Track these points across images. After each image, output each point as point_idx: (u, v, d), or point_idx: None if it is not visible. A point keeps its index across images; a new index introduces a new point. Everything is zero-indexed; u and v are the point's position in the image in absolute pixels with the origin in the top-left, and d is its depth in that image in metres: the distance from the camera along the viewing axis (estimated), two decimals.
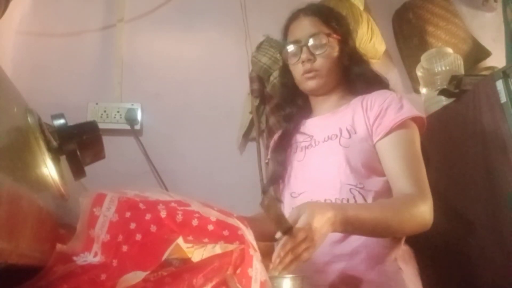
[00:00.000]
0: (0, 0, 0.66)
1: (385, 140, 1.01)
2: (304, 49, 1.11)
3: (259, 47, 1.86)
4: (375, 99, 1.07)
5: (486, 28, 2.15)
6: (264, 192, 1.24)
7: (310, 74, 1.11)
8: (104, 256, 0.51)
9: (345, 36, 1.16)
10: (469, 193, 1.37)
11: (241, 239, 0.57)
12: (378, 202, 0.99)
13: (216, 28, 1.95)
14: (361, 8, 1.87)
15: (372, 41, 1.80)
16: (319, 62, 1.11)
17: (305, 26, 1.13)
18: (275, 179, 1.20)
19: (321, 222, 0.78)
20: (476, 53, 1.96)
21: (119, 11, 1.89)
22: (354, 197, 1.00)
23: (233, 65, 1.91)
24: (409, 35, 1.99)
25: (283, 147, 1.20)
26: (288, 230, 0.77)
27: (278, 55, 1.80)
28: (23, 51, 1.73)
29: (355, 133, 1.06)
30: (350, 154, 1.03)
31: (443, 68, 1.71)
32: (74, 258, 0.50)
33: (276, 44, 1.86)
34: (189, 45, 1.94)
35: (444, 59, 1.73)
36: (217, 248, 0.56)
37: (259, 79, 1.80)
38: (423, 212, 0.92)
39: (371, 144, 1.04)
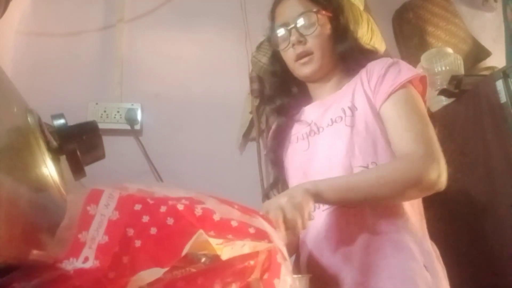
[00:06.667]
0: (0, 0, 0.65)
1: (385, 105, 0.93)
2: (293, 31, 1.02)
3: (259, 47, 1.86)
4: (374, 67, 0.99)
5: (486, 28, 2.15)
6: (266, 196, 1.15)
7: (305, 59, 1.03)
8: (99, 260, 0.44)
9: (336, 12, 1.07)
10: (469, 193, 1.37)
11: (270, 238, 0.52)
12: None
13: (216, 28, 1.95)
14: (361, 8, 1.86)
15: (372, 41, 1.79)
16: (311, 43, 1.02)
17: (292, 6, 1.04)
18: (274, 183, 1.14)
19: (278, 197, 0.78)
20: (476, 53, 1.96)
21: (119, 11, 1.89)
22: None
23: (233, 65, 1.90)
24: (409, 35, 1.99)
25: (277, 145, 1.13)
26: None
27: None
28: (23, 51, 1.72)
29: (356, 109, 0.97)
30: (356, 133, 0.95)
31: (443, 68, 1.71)
32: (58, 265, 0.43)
33: None
34: (189, 45, 1.94)
35: (444, 59, 1.73)
36: (246, 248, 0.50)
37: (259, 79, 1.80)
38: (427, 169, 0.82)
39: (375, 115, 0.95)
